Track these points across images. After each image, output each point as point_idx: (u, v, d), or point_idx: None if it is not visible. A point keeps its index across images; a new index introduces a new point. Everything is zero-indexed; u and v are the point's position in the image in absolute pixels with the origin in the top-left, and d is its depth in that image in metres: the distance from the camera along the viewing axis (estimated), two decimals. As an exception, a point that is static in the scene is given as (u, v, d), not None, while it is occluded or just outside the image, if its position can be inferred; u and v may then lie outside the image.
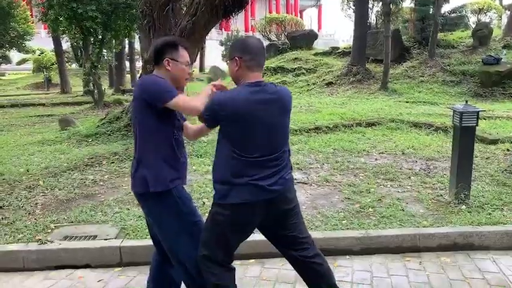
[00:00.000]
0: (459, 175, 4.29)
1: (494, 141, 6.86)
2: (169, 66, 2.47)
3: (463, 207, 4.20)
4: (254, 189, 2.30)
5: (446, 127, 7.69)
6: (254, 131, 2.30)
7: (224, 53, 26.62)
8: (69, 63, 27.10)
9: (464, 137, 4.24)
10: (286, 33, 20.66)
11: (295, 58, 17.05)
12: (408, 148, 6.74)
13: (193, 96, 2.49)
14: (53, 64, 25.36)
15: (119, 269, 3.49)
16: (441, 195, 4.62)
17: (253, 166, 2.31)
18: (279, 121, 2.40)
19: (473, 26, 16.91)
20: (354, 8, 16.60)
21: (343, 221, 3.98)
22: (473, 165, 5.05)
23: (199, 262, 2.43)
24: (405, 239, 3.67)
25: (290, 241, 2.52)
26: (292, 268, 2.63)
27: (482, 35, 14.54)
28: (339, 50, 17.85)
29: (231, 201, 2.31)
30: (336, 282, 2.61)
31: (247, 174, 2.30)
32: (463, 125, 4.18)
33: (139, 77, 5.43)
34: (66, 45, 20.21)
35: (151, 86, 2.42)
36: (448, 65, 13.79)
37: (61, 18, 12.76)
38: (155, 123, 2.41)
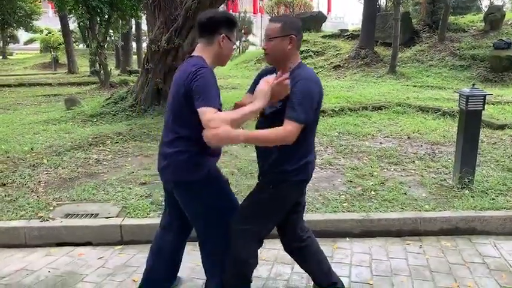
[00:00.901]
0: (463, 160, 4.24)
1: (501, 127, 6.77)
2: (223, 43, 2.29)
3: (467, 192, 4.16)
4: (314, 164, 2.46)
5: (453, 112, 7.59)
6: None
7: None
8: (77, 43, 27.06)
9: (470, 121, 4.17)
10: (294, 15, 20.41)
11: (303, 40, 16.70)
12: (414, 132, 6.68)
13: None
14: (60, 44, 25.33)
15: (120, 247, 3.51)
16: (445, 179, 4.58)
17: (313, 144, 2.45)
18: None
19: (486, 9, 16.58)
20: (363, -11, 16.31)
21: (344, 204, 3.97)
22: (479, 150, 5.00)
23: (239, 235, 2.39)
24: (406, 223, 3.65)
25: (300, 219, 2.64)
26: None
27: (494, 18, 14.25)
28: (348, 33, 17.61)
29: (299, 177, 2.38)
30: (335, 264, 2.64)
31: (311, 151, 2.43)
32: (469, 108, 4.11)
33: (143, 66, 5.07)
34: (73, 25, 20.12)
35: (202, 82, 2.15)
36: (458, 49, 13.57)
37: (67, -3, 12.69)
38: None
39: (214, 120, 2.04)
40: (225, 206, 2.45)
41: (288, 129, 2.16)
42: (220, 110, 2.18)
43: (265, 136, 2.21)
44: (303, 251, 2.64)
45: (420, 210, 3.81)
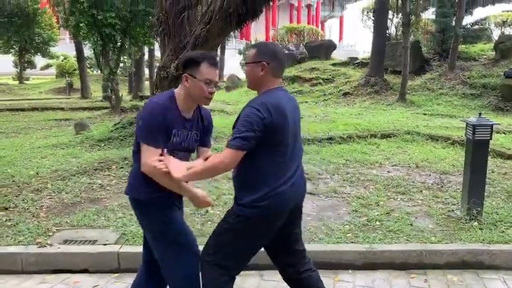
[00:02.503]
0: (471, 190, 4.13)
1: (512, 157, 6.63)
2: (187, 83, 2.35)
3: (475, 223, 4.04)
4: (287, 197, 2.31)
5: (463, 140, 7.40)
6: (290, 134, 2.32)
7: (243, 62, 26.67)
8: (91, 69, 27.60)
9: (477, 151, 4.09)
10: (304, 43, 20.62)
11: (313, 68, 16.96)
12: (423, 161, 6.57)
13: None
14: (75, 70, 25.85)
15: (116, 275, 3.45)
16: (453, 210, 4.46)
17: (288, 173, 2.32)
18: (300, 125, 2.49)
19: (496, 38, 16.56)
20: (373, 18, 16.46)
21: (348, 234, 3.87)
22: (489, 180, 4.89)
23: (205, 267, 2.36)
24: (411, 255, 3.54)
25: (294, 246, 2.52)
26: None
27: (504, 47, 14.20)
28: (357, 61, 17.68)
29: (264, 212, 2.27)
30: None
31: (283, 181, 2.29)
32: (475, 138, 4.03)
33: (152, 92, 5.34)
34: (89, 51, 20.57)
35: (146, 117, 2.33)
36: (469, 78, 13.49)
37: (82, 25, 13.00)
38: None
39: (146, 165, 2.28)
40: (174, 237, 2.42)
41: (222, 155, 2.20)
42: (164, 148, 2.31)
43: (203, 168, 2.26)
44: (302, 282, 2.55)
45: (426, 242, 3.70)
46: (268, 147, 2.26)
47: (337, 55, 20.40)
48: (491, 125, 4.05)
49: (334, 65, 17.53)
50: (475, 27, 16.49)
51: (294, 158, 2.38)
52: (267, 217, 2.30)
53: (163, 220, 2.42)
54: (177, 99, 2.38)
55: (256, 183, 2.27)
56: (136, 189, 2.44)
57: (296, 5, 49.80)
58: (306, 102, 13.99)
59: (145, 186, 2.38)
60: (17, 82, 29.47)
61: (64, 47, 31.27)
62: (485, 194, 4.32)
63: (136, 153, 2.40)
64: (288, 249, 2.51)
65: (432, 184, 5.44)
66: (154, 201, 2.40)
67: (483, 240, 3.70)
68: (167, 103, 2.35)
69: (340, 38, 53.02)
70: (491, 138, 4.09)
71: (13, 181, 5.47)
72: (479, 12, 17.13)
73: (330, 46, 19.31)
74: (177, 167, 2.27)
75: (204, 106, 2.53)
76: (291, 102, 2.41)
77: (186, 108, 2.39)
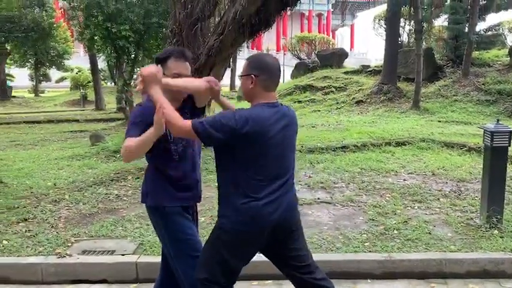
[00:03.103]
0: (490, 198, 4.07)
1: (531, 163, 6.52)
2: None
3: (495, 232, 3.98)
4: (264, 215, 2.23)
5: (479, 147, 7.38)
6: (271, 152, 2.25)
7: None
8: (105, 81, 27.99)
9: (496, 158, 4.04)
10: (316, 52, 20.65)
11: (325, 76, 16.96)
12: (439, 169, 6.50)
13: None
14: (89, 82, 26.22)
15: (135, 285, 3.46)
16: (472, 218, 4.40)
17: (266, 190, 2.25)
18: (291, 143, 2.38)
19: (511, 44, 16.40)
20: (385, 26, 16.44)
21: (366, 243, 3.84)
22: (508, 187, 4.82)
23: (198, 284, 2.35)
24: (430, 264, 3.49)
25: (294, 262, 2.43)
26: None
27: (519, 53, 14.07)
28: (370, 69, 17.64)
29: (237, 226, 2.24)
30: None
31: (260, 197, 2.23)
32: (494, 145, 3.98)
33: None
34: (102, 64, 20.86)
35: (131, 118, 2.51)
36: (483, 84, 13.35)
37: (96, 38, 13.20)
38: None
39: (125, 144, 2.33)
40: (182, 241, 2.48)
41: (183, 124, 2.21)
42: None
43: (169, 114, 2.22)
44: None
45: (445, 251, 3.65)
46: (241, 161, 2.23)
47: (349, 63, 20.38)
48: (510, 132, 4.00)
49: (346, 73, 17.51)
50: (488, 33, 16.35)
51: (278, 177, 2.29)
52: (237, 233, 2.25)
53: (176, 227, 2.47)
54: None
55: (229, 197, 2.27)
56: (152, 196, 2.51)
57: (307, 14, 49.99)
58: (319, 111, 13.98)
59: (161, 192, 2.47)
60: (32, 95, 30.01)
61: (78, 59, 31.81)
62: (505, 201, 4.26)
63: (149, 153, 2.44)
64: (289, 264, 2.45)
65: (449, 192, 5.38)
66: (170, 207, 2.47)
67: (504, 248, 3.64)
68: (148, 103, 2.43)
69: (351, 46, 53.02)
70: (509, 145, 4.04)
71: (31, 192, 5.55)
72: (492, 18, 16.98)
73: (342, 54, 19.31)
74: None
75: None
76: (284, 120, 2.32)
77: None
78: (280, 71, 2.41)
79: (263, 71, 2.31)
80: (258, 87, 2.30)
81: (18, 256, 3.70)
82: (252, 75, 2.30)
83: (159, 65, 2.43)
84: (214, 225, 2.42)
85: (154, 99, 2.24)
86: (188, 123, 2.21)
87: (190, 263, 2.42)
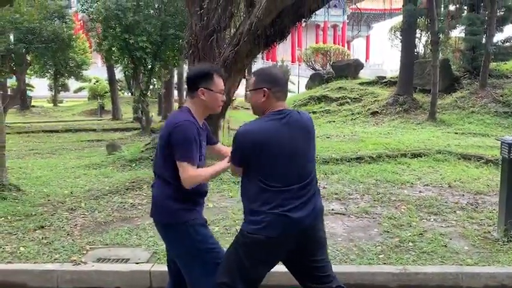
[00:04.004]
0: (508, 211, 4.01)
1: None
2: (204, 96, 2.47)
3: (513, 245, 3.90)
4: (284, 222, 2.24)
5: (497, 160, 7.26)
6: (282, 159, 2.27)
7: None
8: (122, 91, 28.40)
9: (514, 170, 3.97)
10: (331, 63, 20.67)
11: (340, 87, 16.96)
12: (455, 181, 6.42)
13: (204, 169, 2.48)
14: (106, 92, 26.62)
15: (148, 293, 3.48)
16: (489, 231, 4.32)
17: (284, 196, 2.26)
18: (305, 148, 2.37)
19: (529, 55, 16.16)
20: (401, 37, 16.39)
21: (380, 256, 3.80)
22: (526, 200, 4.72)
23: None
24: (446, 278, 3.43)
25: (317, 273, 2.42)
26: None
27: (538, 64, 13.87)
28: (385, 80, 17.58)
29: (260, 233, 2.25)
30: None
31: (279, 205, 2.25)
32: (511, 157, 3.92)
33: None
34: (120, 74, 21.20)
35: (180, 137, 2.37)
36: (501, 96, 13.19)
37: (114, 49, 13.45)
38: None
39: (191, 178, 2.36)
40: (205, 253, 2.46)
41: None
42: (198, 162, 2.43)
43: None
44: None
45: (462, 265, 3.59)
46: (257, 171, 2.29)
47: (364, 74, 20.35)
48: (528, 144, 3.95)
49: (361, 84, 17.49)
50: (506, 44, 16.15)
51: (297, 182, 2.30)
52: (259, 240, 2.26)
53: (197, 239, 2.46)
54: (193, 113, 2.48)
55: (251, 204, 2.31)
56: (166, 212, 2.48)
57: (322, 25, 50.13)
58: (334, 121, 13.96)
59: (175, 205, 2.44)
60: (51, 105, 30.60)
61: (96, 70, 32.37)
62: (524, 214, 4.18)
63: (165, 173, 2.45)
64: (311, 274, 2.43)
65: (466, 204, 5.30)
66: (186, 220, 2.45)
67: (523, 263, 3.57)
68: (192, 118, 2.44)
69: (367, 57, 52.93)
70: (528, 157, 3.98)
71: (48, 200, 5.64)
72: (510, 29, 16.76)
73: (357, 65, 19.30)
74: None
75: None
76: (292, 124, 2.32)
77: (199, 119, 2.51)
78: (286, 79, 2.50)
79: (274, 83, 2.36)
80: (270, 100, 2.35)
81: (34, 263, 3.75)
82: (265, 89, 2.34)
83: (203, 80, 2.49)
84: (227, 234, 2.43)
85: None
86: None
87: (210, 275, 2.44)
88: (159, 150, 2.48)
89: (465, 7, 15.75)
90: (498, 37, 15.50)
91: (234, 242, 2.40)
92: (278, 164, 2.27)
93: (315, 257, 2.40)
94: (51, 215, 5.01)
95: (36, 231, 4.51)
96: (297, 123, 2.34)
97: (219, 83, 2.50)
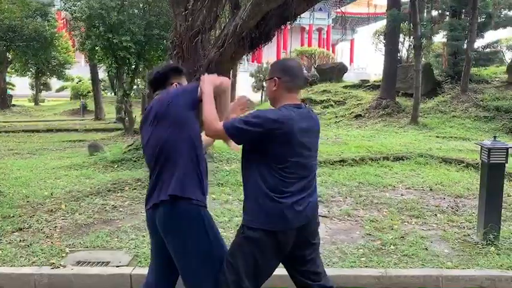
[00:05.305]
0: (487, 214, 4.07)
1: (529, 180, 6.53)
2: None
3: (492, 248, 3.96)
4: (291, 214, 2.26)
5: (477, 163, 7.38)
6: (298, 152, 2.29)
7: (254, 84, 26.92)
8: (105, 91, 28.05)
9: (493, 175, 4.04)
10: (315, 66, 20.79)
11: (324, 90, 17.06)
12: (436, 184, 6.50)
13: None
14: (89, 92, 26.29)
15: (129, 297, 3.43)
16: (469, 234, 4.38)
17: (292, 188, 2.28)
18: (315, 144, 2.44)
19: (509, 61, 16.53)
20: (384, 42, 16.58)
21: (362, 258, 3.82)
22: (505, 204, 4.82)
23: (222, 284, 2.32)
24: (427, 280, 3.47)
25: (311, 267, 2.45)
26: None
27: (518, 70, 14.17)
28: (369, 83, 17.76)
29: (266, 226, 2.25)
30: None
31: (287, 196, 2.27)
32: (491, 161, 3.99)
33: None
34: (103, 74, 20.96)
35: (182, 92, 2.42)
36: (482, 100, 13.45)
37: (97, 48, 13.30)
38: None
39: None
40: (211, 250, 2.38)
41: (217, 126, 2.28)
42: None
43: (206, 109, 2.32)
44: None
45: (442, 267, 3.64)
46: (270, 161, 2.26)
47: (348, 78, 20.53)
48: (507, 148, 4.02)
49: (345, 87, 17.62)
50: (486, 50, 16.50)
51: (304, 176, 2.32)
52: (266, 233, 2.25)
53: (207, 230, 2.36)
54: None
55: (257, 197, 2.28)
56: (186, 193, 2.32)
57: (307, 28, 50.39)
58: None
59: (195, 192, 2.33)
60: (32, 104, 30.06)
61: (79, 69, 31.95)
62: (502, 218, 4.25)
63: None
64: (304, 269, 2.44)
65: (447, 208, 5.37)
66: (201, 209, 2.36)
67: (501, 265, 3.63)
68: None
69: (351, 61, 53.34)
70: (506, 162, 4.05)
71: (27, 202, 5.52)
72: (490, 36, 17.11)
73: (341, 69, 19.45)
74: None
75: None
76: (308, 121, 2.36)
77: None
78: (303, 72, 2.48)
79: (285, 73, 2.38)
80: (280, 89, 2.38)
81: (11, 266, 3.67)
82: (275, 78, 2.38)
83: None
84: (226, 231, 2.40)
85: (205, 91, 2.36)
86: (220, 126, 2.27)
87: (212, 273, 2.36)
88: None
89: (447, 13, 16.02)
90: (479, 43, 15.84)
91: (238, 236, 2.36)
92: (294, 157, 2.28)
93: (311, 249, 2.44)
94: (30, 216, 4.91)
95: (14, 233, 4.42)
96: (310, 120, 2.39)
97: (185, 81, 2.63)
